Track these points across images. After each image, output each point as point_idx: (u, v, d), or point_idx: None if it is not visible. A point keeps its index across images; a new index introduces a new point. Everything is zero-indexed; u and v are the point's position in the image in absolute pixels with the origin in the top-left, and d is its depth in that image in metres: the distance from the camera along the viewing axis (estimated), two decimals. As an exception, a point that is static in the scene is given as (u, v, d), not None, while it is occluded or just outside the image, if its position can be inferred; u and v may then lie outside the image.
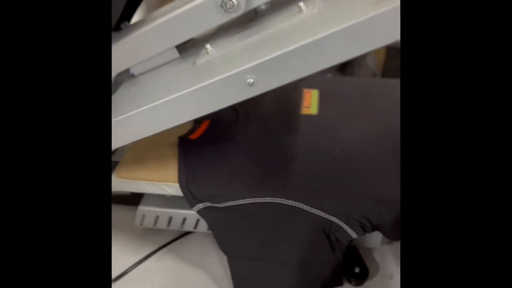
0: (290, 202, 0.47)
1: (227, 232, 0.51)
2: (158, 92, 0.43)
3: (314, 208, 0.47)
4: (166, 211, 0.57)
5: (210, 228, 0.52)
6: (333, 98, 0.64)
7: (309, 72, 0.37)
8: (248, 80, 0.39)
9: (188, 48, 0.49)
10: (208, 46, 0.44)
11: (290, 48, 0.36)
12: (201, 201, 0.49)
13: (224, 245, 0.51)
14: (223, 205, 0.48)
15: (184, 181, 0.50)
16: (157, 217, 0.58)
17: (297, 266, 0.50)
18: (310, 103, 0.64)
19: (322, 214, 0.47)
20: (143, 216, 0.58)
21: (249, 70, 0.38)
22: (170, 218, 0.58)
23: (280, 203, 0.47)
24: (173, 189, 0.51)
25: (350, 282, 0.54)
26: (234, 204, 0.48)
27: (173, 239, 0.61)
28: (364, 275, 0.54)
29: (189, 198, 0.50)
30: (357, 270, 0.54)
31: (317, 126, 0.58)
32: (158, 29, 0.44)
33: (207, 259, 0.58)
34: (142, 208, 0.57)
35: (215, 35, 0.48)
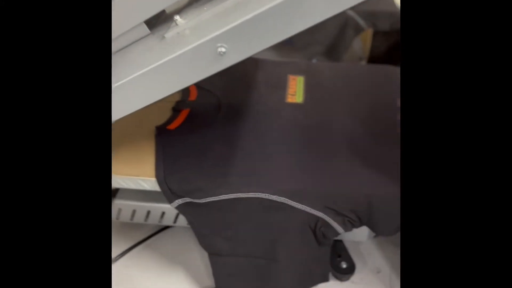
0: (274, 198, 0.45)
1: (208, 229, 0.48)
2: (125, 70, 0.39)
3: (299, 203, 0.45)
4: (143, 205, 0.54)
5: (190, 224, 0.49)
6: (319, 85, 0.61)
7: (286, 35, 0.34)
8: (220, 49, 0.35)
9: (159, 23, 0.45)
10: (177, 17, 0.40)
11: (264, 8, 0.32)
12: (180, 197, 0.46)
13: (205, 241, 0.48)
14: (203, 201, 0.46)
15: (161, 176, 0.46)
16: (134, 211, 0.54)
17: (282, 263, 0.47)
18: (296, 90, 0.61)
19: (308, 209, 0.45)
20: (119, 210, 0.54)
21: (219, 37, 0.35)
22: (148, 212, 0.54)
23: (264, 198, 0.45)
24: (150, 184, 0.47)
25: (336, 277, 0.52)
26: (215, 199, 0.45)
27: (151, 234, 0.58)
28: (350, 270, 0.52)
29: (167, 194, 0.46)
30: (343, 265, 0.52)
31: (303, 115, 0.55)
32: (124, 3, 0.39)
33: (188, 254, 0.55)
34: (118, 202, 0.54)
35: (187, 7, 0.44)
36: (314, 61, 0.89)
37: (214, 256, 0.49)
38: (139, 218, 0.55)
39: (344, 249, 0.55)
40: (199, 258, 0.55)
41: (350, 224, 0.46)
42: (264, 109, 0.56)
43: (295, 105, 0.57)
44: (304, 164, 0.47)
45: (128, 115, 0.41)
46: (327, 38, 0.86)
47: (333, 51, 0.88)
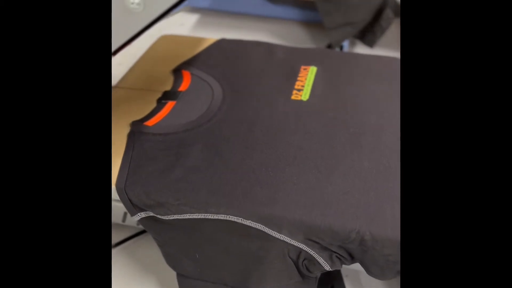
0: (248, 223, 0.37)
1: (174, 247, 0.42)
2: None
3: (278, 232, 0.37)
4: (120, 205, 0.49)
5: (154, 239, 0.43)
6: (331, 81, 0.52)
7: None
8: (132, 3, 0.29)
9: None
10: None
11: None
12: (142, 210, 0.40)
13: (171, 261, 0.43)
14: (167, 218, 0.39)
15: (122, 184, 0.40)
16: (110, 211, 0.50)
17: (256, 296, 0.41)
18: (304, 84, 0.52)
19: (287, 240, 0.38)
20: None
21: None
22: (125, 213, 0.49)
23: (236, 221, 0.38)
24: (110, 191, 0.42)
25: (324, 313, 0.45)
26: (179, 218, 0.39)
27: (128, 236, 0.53)
28: (342, 306, 0.45)
29: (128, 205, 0.41)
30: (334, 299, 0.45)
31: (303, 119, 0.46)
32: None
33: (164, 263, 0.50)
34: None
35: None
36: (344, 45, 0.79)
37: (181, 276, 0.43)
38: (116, 219, 0.50)
39: (339, 278, 0.47)
40: (175, 270, 0.49)
41: (339, 260, 0.38)
42: (263, 108, 0.48)
43: (298, 104, 0.48)
44: (289, 185, 0.39)
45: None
46: (361, 19, 0.75)
47: (367, 34, 0.77)
